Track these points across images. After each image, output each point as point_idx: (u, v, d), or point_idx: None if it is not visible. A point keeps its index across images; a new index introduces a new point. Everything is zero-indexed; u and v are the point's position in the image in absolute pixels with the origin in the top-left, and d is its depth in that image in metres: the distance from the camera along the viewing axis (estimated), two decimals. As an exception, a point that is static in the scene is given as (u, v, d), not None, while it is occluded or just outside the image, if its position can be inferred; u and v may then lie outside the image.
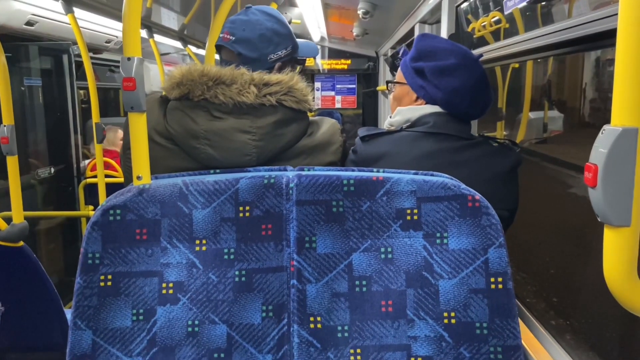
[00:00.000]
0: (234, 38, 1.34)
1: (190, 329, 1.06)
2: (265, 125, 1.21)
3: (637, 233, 0.69)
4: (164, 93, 1.28)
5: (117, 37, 3.91)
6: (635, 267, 0.69)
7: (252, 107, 1.20)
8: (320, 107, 6.55)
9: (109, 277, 1.05)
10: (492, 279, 1.05)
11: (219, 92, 1.19)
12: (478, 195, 1.06)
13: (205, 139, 1.19)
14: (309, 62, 6.16)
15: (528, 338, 1.33)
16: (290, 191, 1.08)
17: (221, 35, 1.33)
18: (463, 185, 1.08)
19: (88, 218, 3.31)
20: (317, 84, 6.51)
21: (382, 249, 1.08)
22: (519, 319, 1.08)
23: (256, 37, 1.35)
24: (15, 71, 3.58)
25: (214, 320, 1.06)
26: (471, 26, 2.23)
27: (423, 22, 3.12)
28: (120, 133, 4.23)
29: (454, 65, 1.32)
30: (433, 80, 1.35)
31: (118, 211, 1.05)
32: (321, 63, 6.46)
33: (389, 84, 1.53)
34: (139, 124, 1.03)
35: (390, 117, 1.45)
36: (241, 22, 1.35)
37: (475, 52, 1.72)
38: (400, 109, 1.42)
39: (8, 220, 1.85)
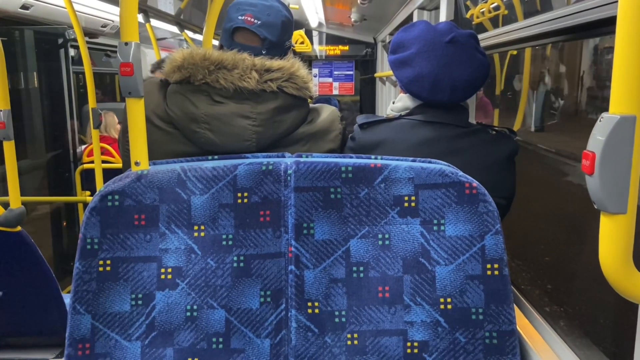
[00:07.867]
0: (259, 22, 1.31)
1: (189, 314, 1.07)
2: (265, 111, 1.20)
3: (633, 220, 0.70)
4: (160, 77, 1.27)
5: (113, 21, 3.87)
6: (630, 254, 0.70)
7: (253, 92, 1.20)
8: (317, 93, 6.51)
9: (108, 262, 1.05)
10: (488, 265, 1.06)
11: (221, 76, 1.19)
12: (475, 183, 1.07)
13: (206, 123, 1.19)
14: (307, 49, 6.12)
15: (523, 324, 1.34)
16: (289, 178, 1.08)
17: (241, 17, 1.30)
18: (460, 173, 1.08)
19: (85, 203, 3.31)
20: (315, 70, 6.46)
21: (380, 236, 1.08)
22: (514, 305, 1.09)
23: (279, 23, 1.33)
24: (11, 56, 3.55)
25: (212, 305, 1.07)
26: (470, 12, 2.22)
27: (422, 8, 3.09)
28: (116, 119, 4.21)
29: (412, 55, 1.35)
30: (396, 71, 1.40)
31: (116, 197, 1.05)
32: (319, 49, 6.42)
33: None
34: (136, 110, 1.03)
35: (393, 102, 1.46)
36: (263, 7, 1.33)
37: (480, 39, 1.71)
38: (401, 95, 1.44)
39: (5, 205, 1.85)
